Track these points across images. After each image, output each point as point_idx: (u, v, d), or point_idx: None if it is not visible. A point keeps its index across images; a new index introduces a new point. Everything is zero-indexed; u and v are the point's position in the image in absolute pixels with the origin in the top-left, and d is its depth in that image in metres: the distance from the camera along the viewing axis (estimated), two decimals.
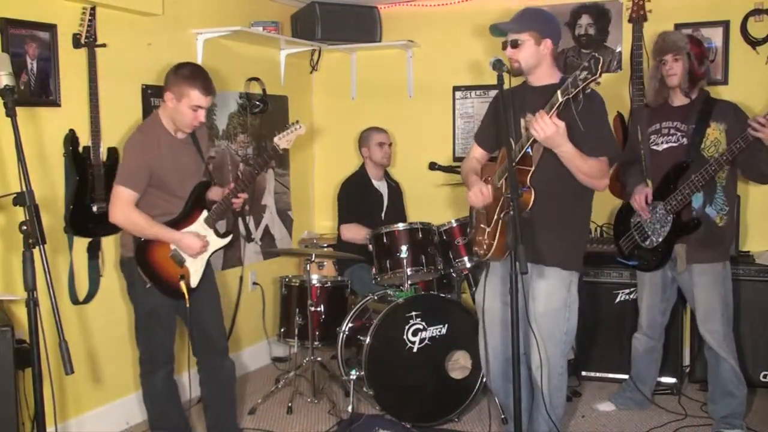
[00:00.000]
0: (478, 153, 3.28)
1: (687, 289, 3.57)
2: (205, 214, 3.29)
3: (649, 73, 3.60)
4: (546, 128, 2.69)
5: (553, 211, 2.95)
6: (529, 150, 2.88)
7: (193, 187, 3.27)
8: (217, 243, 3.34)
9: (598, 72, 2.54)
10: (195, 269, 3.27)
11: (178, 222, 3.22)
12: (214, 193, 3.43)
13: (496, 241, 2.96)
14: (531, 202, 2.86)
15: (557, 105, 2.68)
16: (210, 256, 3.33)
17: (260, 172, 3.35)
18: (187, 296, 3.20)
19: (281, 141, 3.31)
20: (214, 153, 4.50)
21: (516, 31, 2.95)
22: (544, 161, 2.89)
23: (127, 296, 3.51)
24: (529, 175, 2.89)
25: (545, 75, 3.01)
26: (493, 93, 4.86)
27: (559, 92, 2.67)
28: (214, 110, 4.50)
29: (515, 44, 2.94)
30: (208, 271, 3.37)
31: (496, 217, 2.96)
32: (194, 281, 3.27)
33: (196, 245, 3.21)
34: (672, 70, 3.42)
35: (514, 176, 2.63)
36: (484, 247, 3.08)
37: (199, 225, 3.28)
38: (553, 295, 3.02)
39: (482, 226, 3.11)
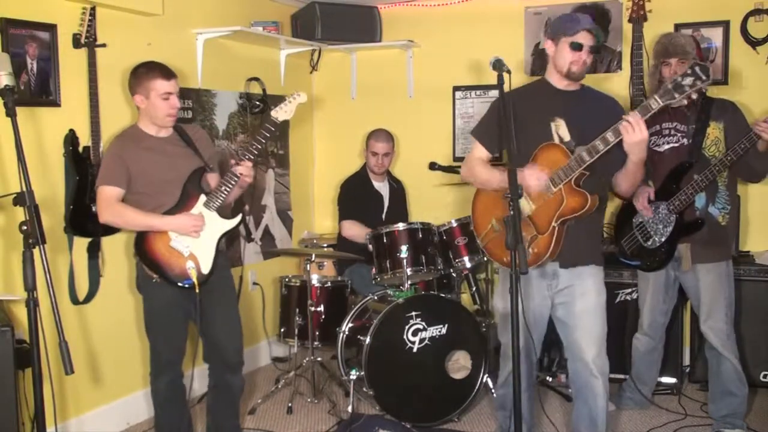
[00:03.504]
0: (483, 154, 3.12)
1: (691, 288, 3.57)
2: (203, 198, 3.19)
3: (650, 71, 3.60)
4: (641, 132, 2.70)
5: (595, 213, 2.97)
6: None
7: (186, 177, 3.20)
8: (222, 224, 3.21)
9: (709, 77, 2.61)
10: (203, 254, 3.15)
11: (174, 210, 3.14)
12: (211, 179, 3.30)
13: (551, 248, 2.90)
14: (596, 206, 2.87)
15: (653, 110, 2.70)
16: (220, 239, 3.20)
17: (261, 146, 3.21)
18: (196, 283, 3.10)
19: (278, 113, 3.22)
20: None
21: (598, 39, 2.93)
22: (592, 165, 2.87)
23: (128, 296, 3.52)
24: (584, 179, 2.87)
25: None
26: (493, 93, 4.88)
27: (657, 96, 2.68)
28: (214, 110, 4.50)
29: (595, 50, 2.94)
30: (223, 277, 3.30)
31: (554, 224, 2.88)
32: (205, 267, 3.15)
33: (185, 222, 3.11)
34: (677, 73, 3.40)
35: (515, 176, 2.60)
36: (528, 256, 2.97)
37: (197, 210, 3.18)
38: (601, 289, 3.05)
39: (523, 234, 2.88)
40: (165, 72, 3.15)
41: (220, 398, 3.42)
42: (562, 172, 2.84)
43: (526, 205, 2.96)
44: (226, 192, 3.18)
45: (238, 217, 3.27)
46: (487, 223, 3.11)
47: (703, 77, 2.61)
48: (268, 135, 3.21)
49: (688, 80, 2.63)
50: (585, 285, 3.00)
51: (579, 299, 3.00)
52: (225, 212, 3.27)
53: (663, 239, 3.51)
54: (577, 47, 2.89)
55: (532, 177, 2.87)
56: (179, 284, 3.11)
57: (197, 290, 3.11)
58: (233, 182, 3.17)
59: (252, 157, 3.19)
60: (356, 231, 4.50)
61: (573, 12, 4.40)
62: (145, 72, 3.14)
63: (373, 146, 4.63)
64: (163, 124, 3.20)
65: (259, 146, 3.19)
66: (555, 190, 2.88)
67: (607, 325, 3.05)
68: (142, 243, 3.11)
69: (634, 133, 2.69)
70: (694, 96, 2.69)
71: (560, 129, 2.94)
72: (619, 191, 3.07)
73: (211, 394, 3.44)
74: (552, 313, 3.09)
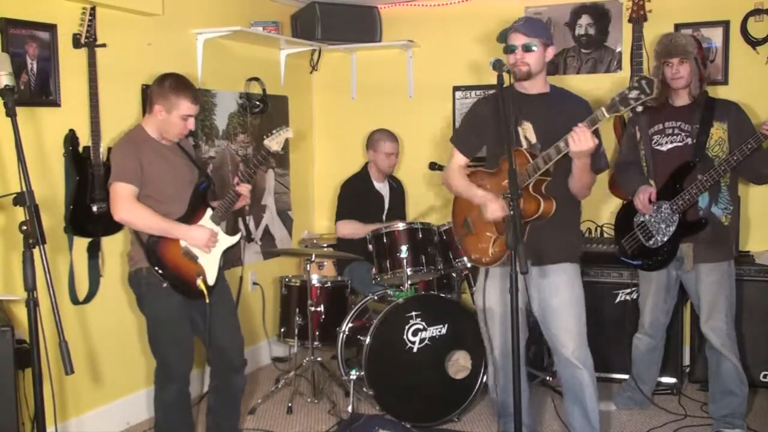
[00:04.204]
0: (461, 160, 3.25)
1: (692, 288, 3.57)
2: (210, 212, 3.27)
3: (651, 72, 3.61)
4: (586, 143, 2.79)
5: (565, 213, 3.04)
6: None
7: (192, 188, 3.26)
8: (226, 241, 3.32)
9: (653, 91, 2.67)
10: (209, 266, 3.23)
11: (184, 221, 3.19)
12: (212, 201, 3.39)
13: None
14: (552, 211, 2.94)
15: (600, 122, 2.78)
16: (222, 253, 3.29)
17: (256, 171, 3.36)
18: (206, 293, 3.16)
19: (271, 143, 3.32)
20: (214, 153, 4.50)
21: (530, 35, 2.99)
22: (556, 169, 2.95)
23: (128, 296, 3.49)
24: (545, 184, 2.96)
25: (542, 83, 3.10)
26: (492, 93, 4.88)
27: (604, 109, 2.76)
28: (214, 110, 4.50)
29: (528, 48, 2.98)
30: (222, 284, 3.34)
31: None
32: (211, 279, 3.23)
33: (204, 236, 3.17)
34: (678, 73, 3.42)
35: (514, 176, 2.60)
36: (489, 254, 3.11)
37: (205, 223, 3.25)
38: (574, 285, 3.12)
39: (488, 234, 3.11)
40: (194, 95, 3.17)
41: (221, 398, 3.42)
42: (520, 178, 2.91)
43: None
44: (228, 207, 3.29)
45: (238, 235, 3.41)
46: (461, 222, 3.26)
47: (648, 91, 2.67)
48: (262, 160, 3.33)
49: (634, 93, 2.69)
50: (556, 281, 3.08)
51: (553, 296, 3.08)
52: (226, 227, 3.36)
53: (665, 239, 3.51)
54: (510, 50, 2.99)
55: (493, 206, 2.99)
56: (190, 290, 3.16)
57: (207, 300, 3.17)
58: (234, 200, 3.30)
59: (250, 180, 3.34)
60: (351, 229, 4.51)
61: (572, 10, 4.40)
62: (174, 87, 3.13)
63: (386, 148, 4.61)
64: (170, 139, 3.23)
65: (255, 171, 3.34)
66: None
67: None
68: (155, 248, 3.11)
69: (580, 142, 2.78)
70: (640, 109, 2.77)
71: (527, 132, 3.04)
72: (571, 192, 3.11)
73: (212, 394, 3.44)
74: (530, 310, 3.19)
